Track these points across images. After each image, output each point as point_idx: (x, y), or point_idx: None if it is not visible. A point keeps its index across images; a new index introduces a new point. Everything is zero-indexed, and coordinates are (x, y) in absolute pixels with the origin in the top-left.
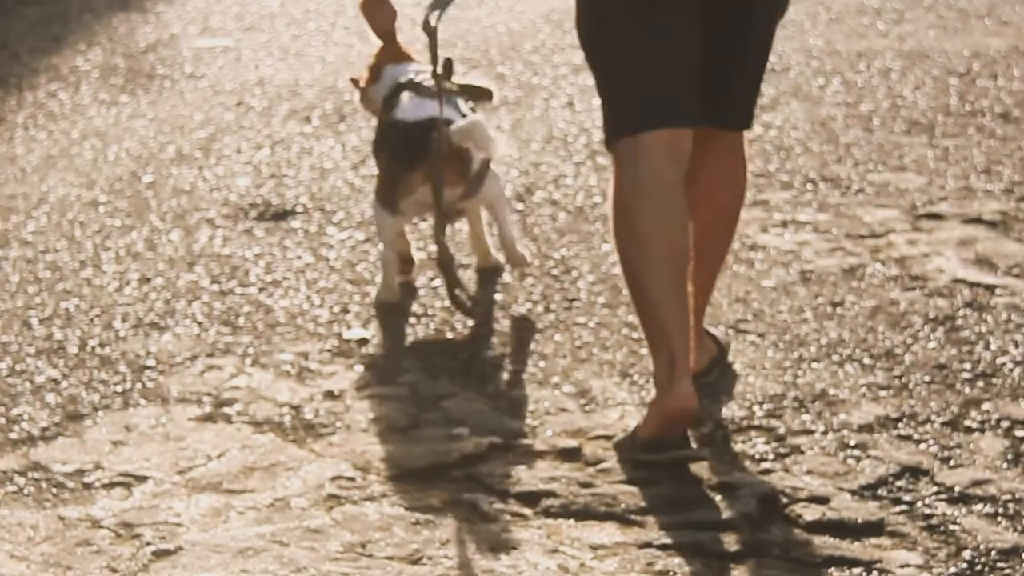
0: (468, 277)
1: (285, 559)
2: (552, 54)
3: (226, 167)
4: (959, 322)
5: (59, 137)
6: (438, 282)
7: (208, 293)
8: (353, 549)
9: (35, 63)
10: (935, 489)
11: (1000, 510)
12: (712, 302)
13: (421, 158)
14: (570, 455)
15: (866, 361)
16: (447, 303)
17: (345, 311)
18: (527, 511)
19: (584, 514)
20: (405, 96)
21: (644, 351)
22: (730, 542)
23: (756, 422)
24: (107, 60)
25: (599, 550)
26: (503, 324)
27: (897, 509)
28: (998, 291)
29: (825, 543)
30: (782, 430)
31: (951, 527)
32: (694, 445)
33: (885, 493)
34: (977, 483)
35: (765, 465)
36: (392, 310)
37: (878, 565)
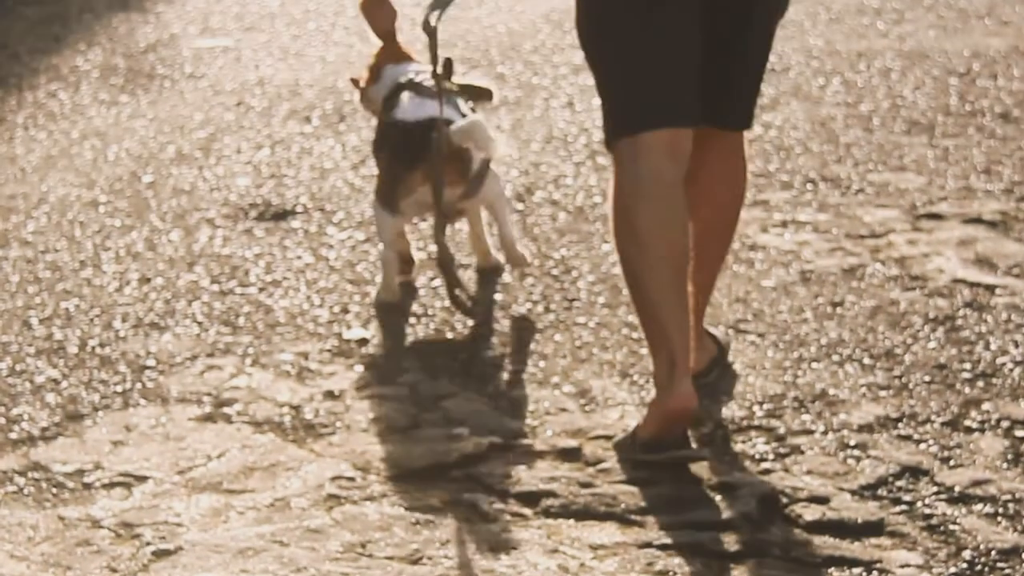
0: (468, 277)
1: (285, 559)
2: (552, 54)
3: (226, 167)
4: (959, 322)
5: (59, 137)
6: (438, 282)
7: (208, 293)
8: (353, 549)
9: (35, 63)
10: (935, 489)
11: (1000, 510)
12: (712, 302)
13: (421, 158)
14: (570, 455)
15: (866, 361)
16: (447, 303)
17: (345, 311)
18: (527, 511)
19: (584, 514)
20: (405, 96)
21: (644, 351)
22: (730, 542)
23: (756, 422)
24: (107, 60)
25: (599, 550)
26: (503, 324)
27: (897, 509)
28: (998, 291)
29: (825, 543)
30: (782, 430)
31: (951, 527)
32: (694, 445)
33: (885, 493)
34: (977, 483)
35: (765, 465)
36: (392, 310)
37: (878, 565)
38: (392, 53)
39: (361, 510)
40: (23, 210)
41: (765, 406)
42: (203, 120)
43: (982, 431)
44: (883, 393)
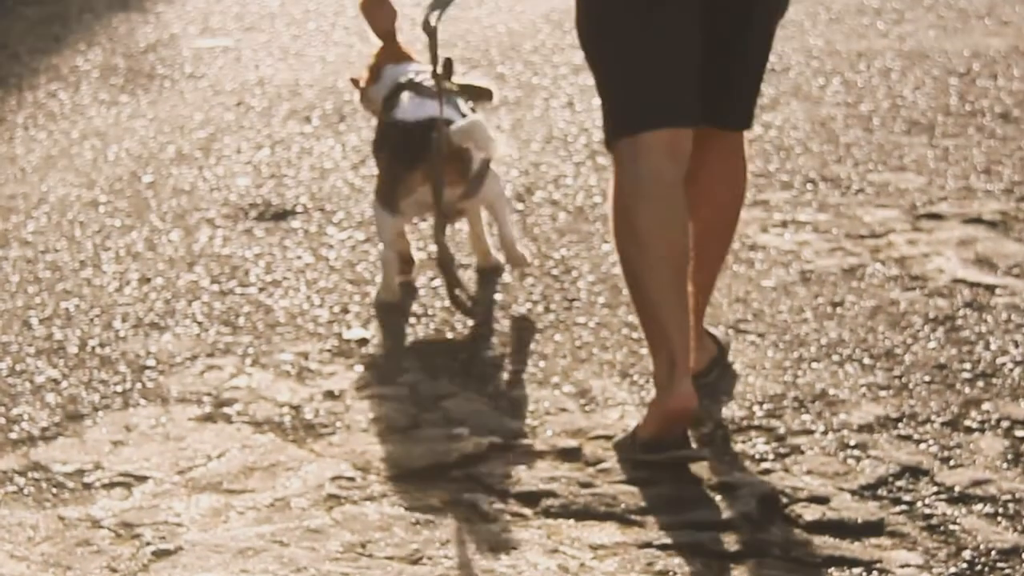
0: (468, 277)
1: (285, 559)
2: (552, 54)
3: (226, 167)
4: (959, 322)
5: (59, 137)
6: (438, 282)
7: (208, 293)
8: (353, 549)
9: (35, 63)
10: (935, 489)
11: (1000, 510)
12: (712, 302)
13: (421, 158)
14: (570, 455)
15: (866, 361)
16: (447, 303)
17: (345, 311)
18: (527, 511)
19: (584, 514)
20: (405, 96)
21: (644, 351)
22: (730, 542)
23: (756, 422)
24: (107, 60)
25: (599, 550)
26: (503, 324)
27: (897, 509)
28: (998, 291)
29: (825, 543)
30: (782, 430)
31: (951, 527)
32: (694, 445)
33: (885, 493)
34: (977, 483)
35: (765, 465)
36: (392, 310)
37: (878, 565)
38: (392, 53)
39: (361, 510)
40: (23, 210)
41: (765, 406)
42: (203, 120)
43: (982, 431)
44: (883, 393)
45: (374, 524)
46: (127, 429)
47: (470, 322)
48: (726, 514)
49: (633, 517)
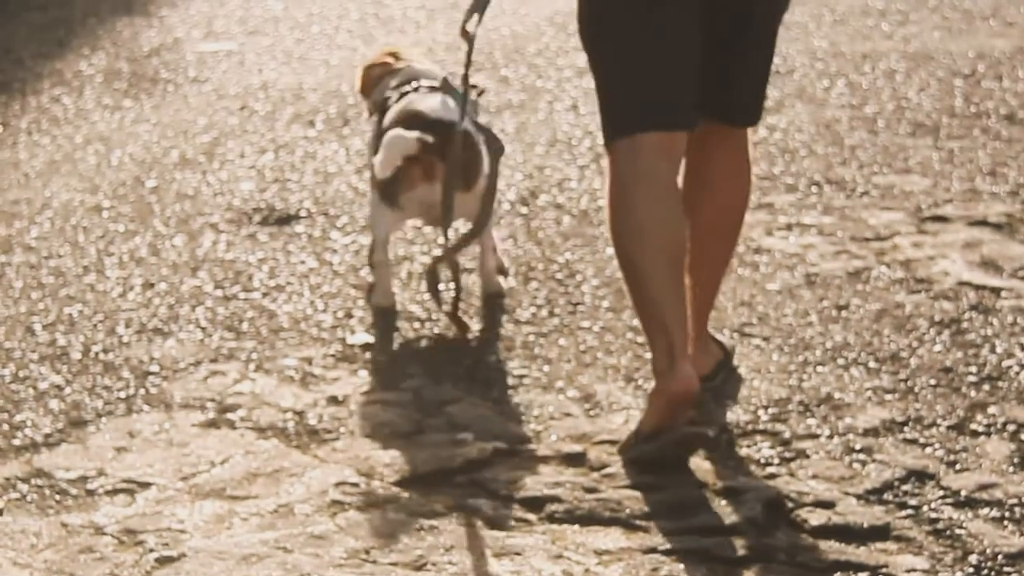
0: (471, 280)
1: (289, 565)
2: (556, 57)
3: (230, 171)
4: (965, 325)
5: (63, 142)
6: (440, 287)
7: (212, 298)
8: (357, 555)
9: (39, 68)
10: (941, 493)
11: (1006, 514)
12: (717, 306)
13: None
14: (574, 460)
15: (871, 365)
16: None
17: (349, 316)
18: (531, 516)
19: (589, 519)
20: (413, 94)
21: (649, 355)
22: (735, 547)
23: (761, 426)
24: (111, 64)
25: (604, 555)
26: (507, 329)
27: (903, 513)
28: (1004, 294)
29: (831, 548)
30: (787, 434)
31: (957, 531)
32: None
33: (891, 497)
34: (983, 487)
35: (770, 469)
36: (395, 315)
37: (884, 570)
38: (395, 55)
39: (365, 516)
40: (26, 215)
41: (770, 410)
42: (207, 124)
43: (988, 435)
44: (889, 397)
45: (378, 530)
46: (130, 435)
47: (475, 327)
48: (731, 519)
49: (638, 522)
